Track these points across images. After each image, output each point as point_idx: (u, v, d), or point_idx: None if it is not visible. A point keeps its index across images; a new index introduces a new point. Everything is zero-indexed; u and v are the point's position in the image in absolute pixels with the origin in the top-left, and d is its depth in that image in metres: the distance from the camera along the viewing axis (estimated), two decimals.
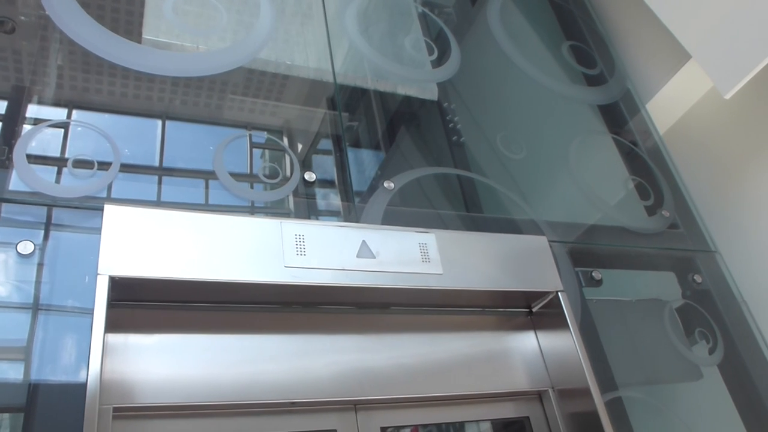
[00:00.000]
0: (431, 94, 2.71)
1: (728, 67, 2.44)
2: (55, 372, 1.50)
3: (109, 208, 1.67)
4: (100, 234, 1.62)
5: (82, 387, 1.44)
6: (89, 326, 1.51)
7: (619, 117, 3.04)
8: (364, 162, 2.34)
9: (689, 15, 2.63)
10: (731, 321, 2.50)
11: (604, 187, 2.62)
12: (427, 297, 1.92)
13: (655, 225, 2.61)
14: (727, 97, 2.43)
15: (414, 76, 2.68)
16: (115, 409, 1.55)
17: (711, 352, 2.41)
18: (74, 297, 1.60)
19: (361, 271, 1.80)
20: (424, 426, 2.06)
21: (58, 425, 1.43)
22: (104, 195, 1.78)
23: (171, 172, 2.01)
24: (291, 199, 2.10)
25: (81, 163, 1.81)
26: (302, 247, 1.78)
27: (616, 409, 2.04)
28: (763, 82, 2.61)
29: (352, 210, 2.04)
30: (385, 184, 2.09)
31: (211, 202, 1.97)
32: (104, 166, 1.82)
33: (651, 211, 2.67)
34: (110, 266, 1.60)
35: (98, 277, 1.58)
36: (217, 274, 1.67)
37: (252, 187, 2.02)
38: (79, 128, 1.91)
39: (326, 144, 2.32)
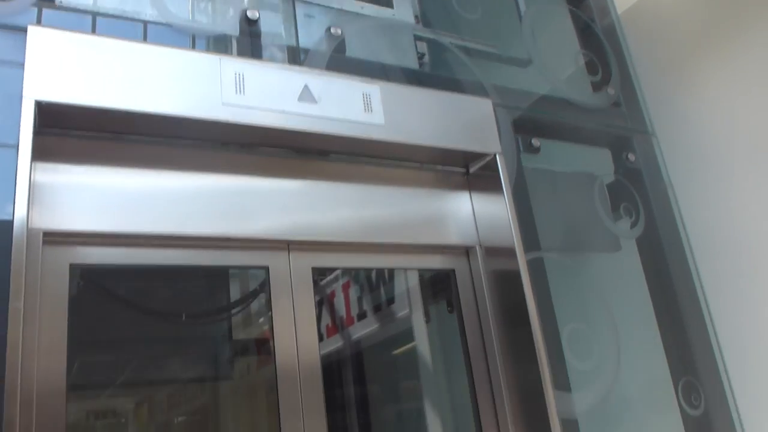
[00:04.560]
0: None
1: None
2: None
3: (33, 29, 1.57)
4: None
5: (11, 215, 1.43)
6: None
7: None
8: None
9: None
10: (655, 200, 2.63)
11: (554, 58, 2.61)
12: (366, 147, 1.93)
13: (599, 101, 2.65)
14: None
15: None
16: (45, 234, 1.54)
17: (632, 226, 2.56)
18: None
19: (301, 115, 1.78)
20: (356, 279, 2.15)
21: None
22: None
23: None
24: (234, 43, 2.02)
25: None
26: (242, 85, 1.73)
27: (537, 268, 2.16)
28: None
29: (296, 53, 1.98)
30: (332, 30, 2.02)
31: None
32: None
33: (597, 87, 2.70)
34: (36, 90, 1.53)
35: (23, 100, 1.51)
36: (150, 105, 1.62)
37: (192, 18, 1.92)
38: None
39: None
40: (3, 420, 1.31)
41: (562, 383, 2.04)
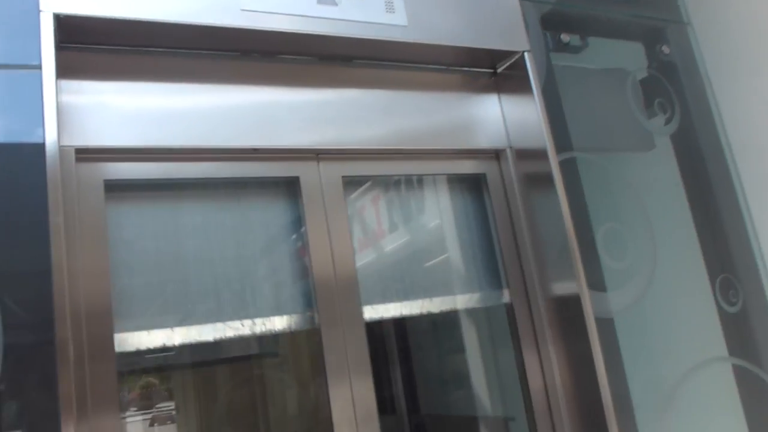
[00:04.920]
0: None
1: None
2: (11, 134, 1.47)
3: None
4: None
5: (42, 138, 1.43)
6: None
7: None
8: None
9: None
10: (691, 95, 2.53)
11: None
12: (390, 50, 1.88)
13: None
14: None
15: None
16: (78, 151, 1.56)
17: (667, 122, 2.48)
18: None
19: (322, 18, 1.73)
20: (386, 187, 2.13)
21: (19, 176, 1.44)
22: None
23: None
24: None
25: None
26: None
27: (569, 169, 2.12)
28: None
29: None
30: None
31: None
32: None
33: None
34: (53, 3, 1.50)
35: (41, 15, 1.49)
36: (168, 14, 1.58)
37: None
38: None
39: None
40: (56, 343, 1.36)
41: (597, 283, 2.04)
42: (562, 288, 1.99)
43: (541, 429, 1.93)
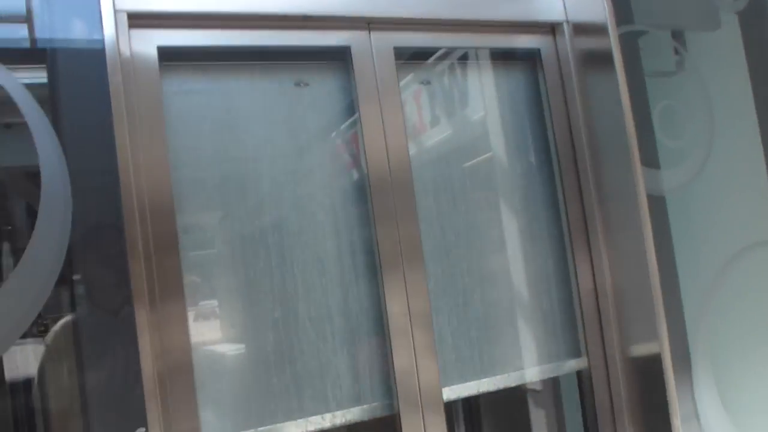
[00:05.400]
0: None
1: None
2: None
3: None
4: None
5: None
6: None
7: None
8: None
9: None
10: None
11: None
12: None
13: None
14: None
15: None
16: (130, 16, 1.55)
17: None
18: None
19: None
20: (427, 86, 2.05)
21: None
22: None
23: None
24: None
25: None
26: None
27: (629, 45, 2.04)
28: None
29: None
30: None
31: None
32: None
33: None
34: None
35: None
36: None
37: None
38: None
39: None
40: (126, 237, 1.42)
41: (652, 160, 2.01)
42: (615, 162, 1.92)
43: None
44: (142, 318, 1.41)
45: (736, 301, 2.15)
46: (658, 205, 1.98)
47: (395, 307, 1.71)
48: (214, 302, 1.65)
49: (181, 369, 1.49)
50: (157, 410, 1.40)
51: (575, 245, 1.98)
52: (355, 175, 1.81)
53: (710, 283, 2.12)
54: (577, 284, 1.95)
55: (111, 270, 1.65)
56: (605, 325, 1.95)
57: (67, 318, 1.69)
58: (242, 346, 1.64)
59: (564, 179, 1.99)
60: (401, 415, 1.68)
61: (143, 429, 1.32)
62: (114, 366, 1.62)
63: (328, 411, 1.66)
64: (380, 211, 1.74)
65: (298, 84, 1.79)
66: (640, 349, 1.87)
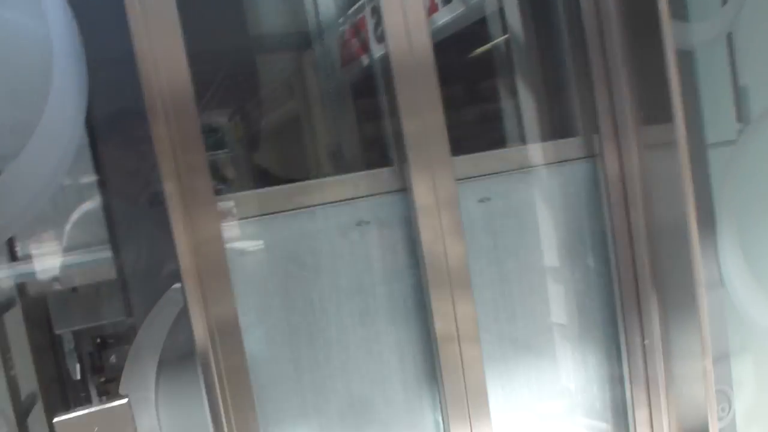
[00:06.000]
0: None
1: None
2: None
3: None
4: None
5: None
6: None
7: None
8: None
9: None
10: None
11: None
12: None
13: None
14: None
15: None
16: None
17: None
18: None
19: None
20: None
21: None
22: None
23: None
24: None
25: None
26: None
27: None
28: None
29: None
30: None
31: None
32: None
33: None
34: None
35: None
36: None
37: None
38: None
39: None
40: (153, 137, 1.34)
41: (679, 11, 1.87)
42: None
43: None
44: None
45: (764, 162, 2.08)
46: (685, 59, 1.87)
47: None
48: None
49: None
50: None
51: None
52: None
53: (737, 142, 2.03)
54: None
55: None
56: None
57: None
58: None
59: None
60: None
61: (179, 284, 1.34)
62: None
63: None
64: None
65: None
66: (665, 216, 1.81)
